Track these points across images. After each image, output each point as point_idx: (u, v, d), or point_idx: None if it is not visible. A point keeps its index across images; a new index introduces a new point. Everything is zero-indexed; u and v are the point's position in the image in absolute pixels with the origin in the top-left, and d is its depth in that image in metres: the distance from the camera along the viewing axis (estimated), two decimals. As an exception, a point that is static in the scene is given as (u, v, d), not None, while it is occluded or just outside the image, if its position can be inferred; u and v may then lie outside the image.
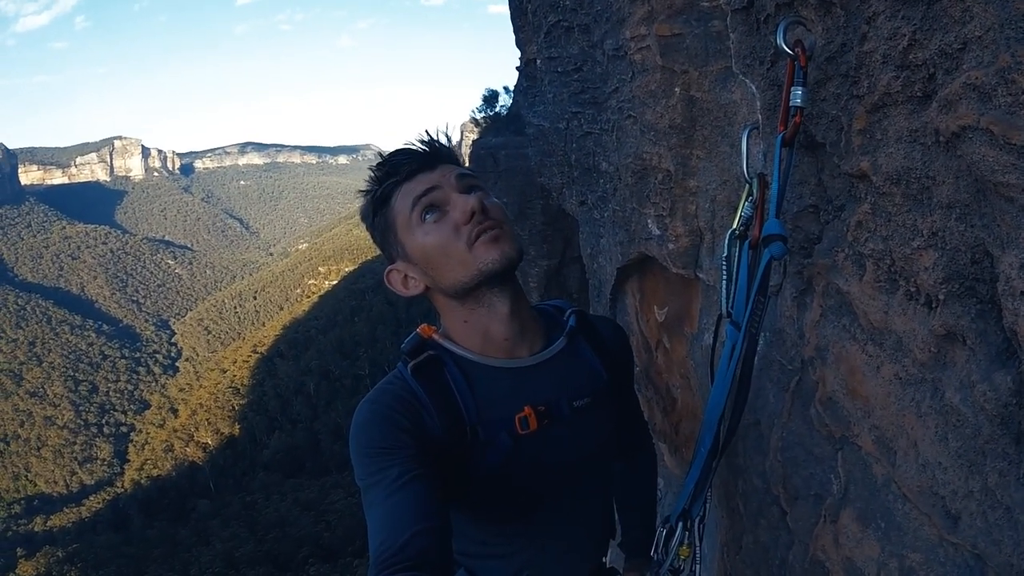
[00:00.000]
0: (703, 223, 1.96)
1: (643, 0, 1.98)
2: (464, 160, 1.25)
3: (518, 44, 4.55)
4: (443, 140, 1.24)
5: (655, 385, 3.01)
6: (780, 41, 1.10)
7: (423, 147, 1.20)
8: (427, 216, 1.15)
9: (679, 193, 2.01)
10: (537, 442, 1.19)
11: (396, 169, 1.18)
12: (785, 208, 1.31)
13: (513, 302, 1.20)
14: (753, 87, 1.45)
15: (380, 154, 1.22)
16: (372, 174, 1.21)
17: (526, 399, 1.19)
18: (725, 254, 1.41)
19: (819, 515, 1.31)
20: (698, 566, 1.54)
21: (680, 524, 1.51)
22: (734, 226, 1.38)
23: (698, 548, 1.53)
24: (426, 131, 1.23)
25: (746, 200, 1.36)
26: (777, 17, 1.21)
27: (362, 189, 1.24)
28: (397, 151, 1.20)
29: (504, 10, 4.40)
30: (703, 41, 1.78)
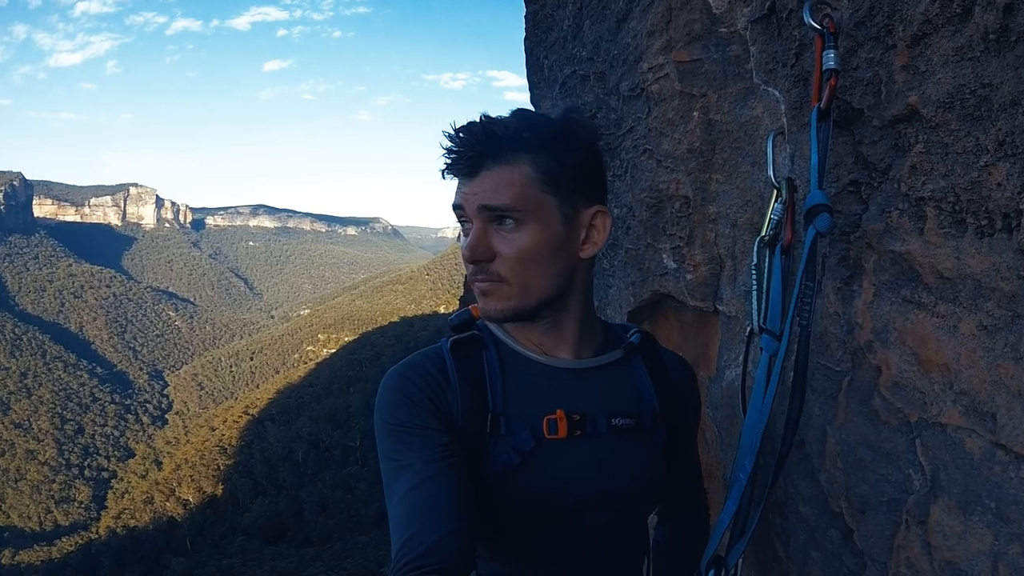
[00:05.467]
0: (723, 250, 1.89)
1: (661, 31, 2.00)
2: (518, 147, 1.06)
3: (533, 101, 4.65)
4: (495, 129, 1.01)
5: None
6: (807, 18, 1.09)
7: (464, 145, 1.01)
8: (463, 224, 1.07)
9: (698, 220, 1.95)
10: (562, 453, 1.06)
11: (446, 161, 1.04)
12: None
13: (552, 323, 1.10)
14: (777, 92, 1.42)
15: (452, 123, 1.02)
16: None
17: (560, 403, 1.07)
18: (755, 262, 1.31)
19: (898, 522, 1.11)
20: None
21: (711, 573, 1.29)
22: (763, 233, 1.30)
23: None
24: (470, 124, 1.01)
25: (775, 202, 1.28)
26: (800, 9, 1.19)
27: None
28: (450, 137, 1.02)
29: (519, 96, 4.51)
30: (721, 65, 1.77)
